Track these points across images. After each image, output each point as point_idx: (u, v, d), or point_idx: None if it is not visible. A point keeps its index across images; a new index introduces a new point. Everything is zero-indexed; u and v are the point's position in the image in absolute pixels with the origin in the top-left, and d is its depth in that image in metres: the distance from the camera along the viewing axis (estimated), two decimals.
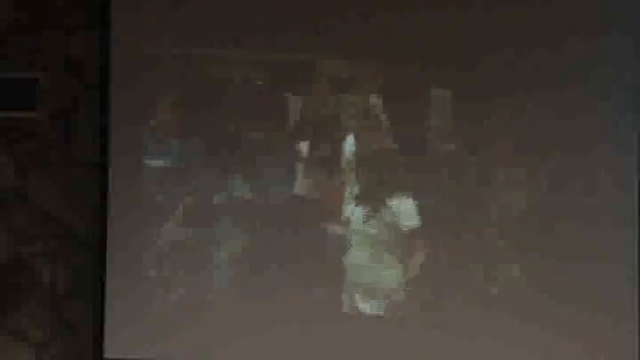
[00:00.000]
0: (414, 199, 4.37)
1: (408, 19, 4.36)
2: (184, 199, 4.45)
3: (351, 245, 4.36)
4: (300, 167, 4.39)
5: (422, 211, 4.38)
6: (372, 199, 4.37)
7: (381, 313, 4.37)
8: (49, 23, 4.59)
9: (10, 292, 4.55)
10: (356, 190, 4.38)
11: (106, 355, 4.46)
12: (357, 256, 4.35)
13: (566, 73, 4.34)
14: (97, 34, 4.57)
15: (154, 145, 4.49)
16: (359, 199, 4.36)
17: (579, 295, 4.29)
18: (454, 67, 4.37)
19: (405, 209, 4.38)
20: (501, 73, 4.37)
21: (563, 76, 4.34)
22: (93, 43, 4.58)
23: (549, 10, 4.36)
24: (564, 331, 4.29)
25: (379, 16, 4.36)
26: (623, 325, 4.27)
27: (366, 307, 4.37)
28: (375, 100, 4.39)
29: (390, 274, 4.35)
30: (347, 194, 4.39)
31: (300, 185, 4.38)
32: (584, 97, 4.33)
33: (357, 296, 4.36)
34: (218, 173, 4.44)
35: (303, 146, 4.39)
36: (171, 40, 4.50)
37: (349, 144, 4.39)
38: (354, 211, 4.36)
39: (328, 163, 4.39)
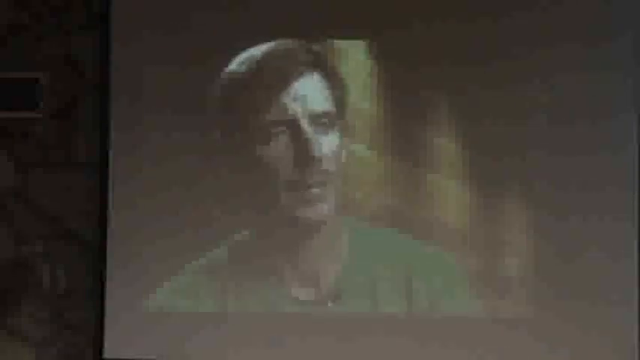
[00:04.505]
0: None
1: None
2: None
3: None
4: None
5: (424, 213, 4.40)
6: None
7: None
8: (49, 23, 4.60)
9: (10, 292, 4.55)
10: None
11: (105, 355, 4.47)
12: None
13: (567, 74, 4.35)
14: (97, 34, 4.57)
15: (154, 145, 4.49)
16: None
17: (579, 292, 4.30)
18: (453, 67, 4.39)
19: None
20: (502, 75, 4.38)
21: (563, 76, 4.35)
22: (93, 43, 4.58)
23: (550, 12, 4.37)
24: (563, 329, 4.30)
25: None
26: (623, 324, 4.28)
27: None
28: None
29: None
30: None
31: None
32: (584, 99, 4.35)
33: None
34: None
35: None
36: (172, 39, 4.50)
37: None
38: None
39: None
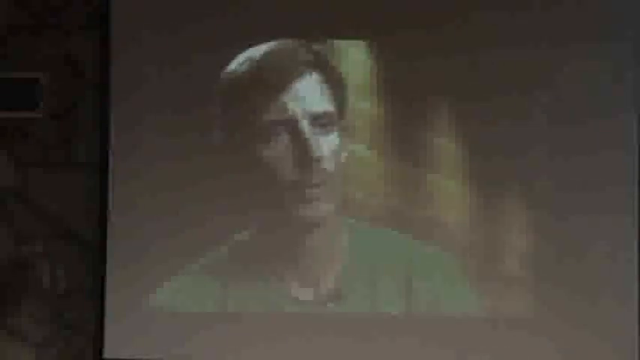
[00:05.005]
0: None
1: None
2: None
3: None
4: None
5: (424, 213, 4.40)
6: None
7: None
8: (49, 23, 4.59)
9: (10, 292, 4.55)
10: None
11: (105, 355, 4.47)
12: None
13: (567, 74, 4.36)
14: (97, 34, 4.57)
15: (154, 145, 4.49)
16: None
17: (579, 292, 4.30)
18: (453, 67, 4.39)
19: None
20: (502, 75, 4.38)
21: (563, 76, 4.36)
22: (93, 43, 4.58)
23: (550, 12, 4.37)
24: (563, 329, 4.30)
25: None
26: (623, 324, 4.28)
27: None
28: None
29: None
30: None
31: None
32: (584, 99, 4.35)
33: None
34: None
35: None
36: (172, 39, 4.50)
37: None
38: None
39: None
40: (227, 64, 4.39)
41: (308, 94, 4.31)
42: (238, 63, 4.37)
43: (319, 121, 4.28)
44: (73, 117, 4.60)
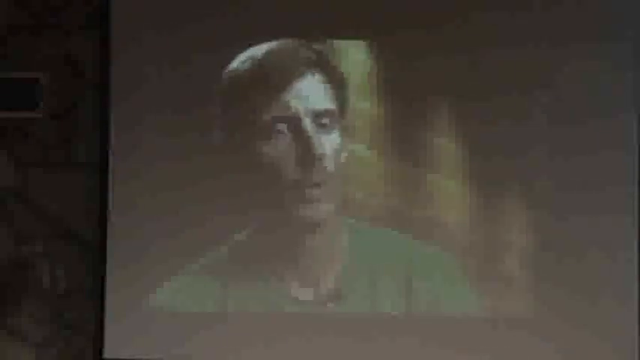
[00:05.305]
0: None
1: None
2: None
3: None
4: None
5: (424, 213, 4.40)
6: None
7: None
8: (49, 23, 4.60)
9: (10, 292, 4.55)
10: None
11: (105, 355, 4.47)
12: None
13: (567, 74, 4.36)
14: (97, 34, 4.57)
15: (154, 145, 4.49)
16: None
17: (579, 292, 4.30)
18: (453, 67, 4.40)
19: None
20: (502, 75, 4.38)
21: (563, 76, 4.36)
22: (93, 43, 4.58)
23: (550, 12, 4.37)
24: (563, 329, 4.30)
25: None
26: (623, 324, 4.28)
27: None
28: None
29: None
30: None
31: None
32: (584, 99, 4.35)
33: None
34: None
35: None
36: (172, 39, 4.50)
37: None
38: None
39: None
40: (227, 64, 4.39)
41: (310, 93, 4.31)
42: (240, 61, 4.37)
43: (321, 118, 4.28)
44: (73, 117, 4.60)
